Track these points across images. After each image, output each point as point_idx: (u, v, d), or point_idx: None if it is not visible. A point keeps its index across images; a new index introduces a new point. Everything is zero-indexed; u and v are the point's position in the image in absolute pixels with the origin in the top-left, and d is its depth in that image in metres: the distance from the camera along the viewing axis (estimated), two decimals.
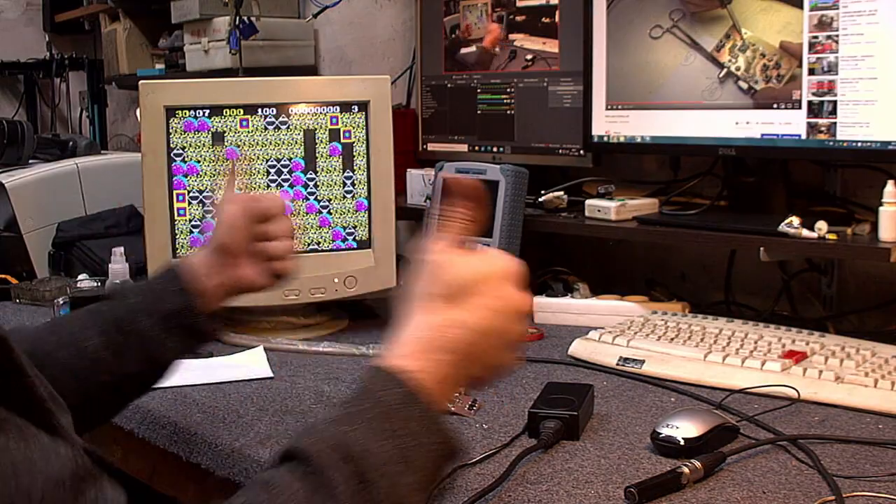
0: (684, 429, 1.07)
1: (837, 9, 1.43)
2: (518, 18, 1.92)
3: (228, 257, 1.10)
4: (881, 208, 1.42)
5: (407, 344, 0.77)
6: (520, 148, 1.93)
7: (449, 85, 2.05)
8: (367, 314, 1.75)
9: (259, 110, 1.62)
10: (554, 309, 1.69)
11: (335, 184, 1.64)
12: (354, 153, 1.64)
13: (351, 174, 1.65)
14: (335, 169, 1.64)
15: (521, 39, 1.92)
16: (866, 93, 1.42)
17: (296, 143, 1.63)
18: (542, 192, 1.80)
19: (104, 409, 1.08)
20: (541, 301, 1.71)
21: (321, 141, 1.63)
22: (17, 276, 2.01)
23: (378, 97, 1.66)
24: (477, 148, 2.01)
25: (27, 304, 1.90)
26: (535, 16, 1.89)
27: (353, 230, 1.66)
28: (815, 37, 1.46)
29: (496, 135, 1.97)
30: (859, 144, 1.43)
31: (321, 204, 1.64)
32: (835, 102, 1.45)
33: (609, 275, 1.90)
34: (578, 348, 1.47)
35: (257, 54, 2.47)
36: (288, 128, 1.63)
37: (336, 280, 1.64)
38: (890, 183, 1.42)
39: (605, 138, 1.74)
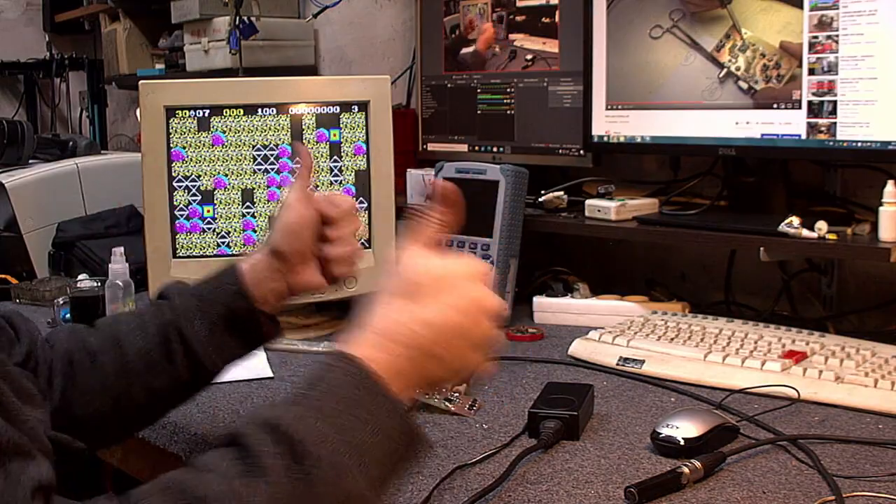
0: (684, 429, 1.07)
1: (837, 9, 1.43)
2: (518, 18, 1.92)
3: (287, 262, 1.05)
4: (881, 208, 1.42)
5: (364, 335, 0.77)
6: (520, 148, 1.93)
7: (449, 85, 2.05)
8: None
9: (259, 110, 1.62)
10: (554, 309, 1.69)
11: (322, 170, 1.64)
12: (342, 140, 1.64)
13: (338, 161, 1.64)
14: (322, 156, 1.64)
15: (521, 39, 1.92)
16: (866, 93, 1.42)
17: (282, 129, 1.63)
18: (542, 192, 1.80)
19: (149, 411, 1.07)
20: (541, 301, 1.71)
21: (308, 127, 1.63)
22: (17, 276, 2.01)
23: (378, 97, 1.66)
24: (477, 148, 2.01)
25: (27, 304, 1.90)
26: (535, 16, 1.89)
27: None
28: (815, 37, 1.46)
29: (496, 135, 1.97)
30: (859, 144, 1.43)
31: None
32: (835, 102, 1.45)
33: (609, 275, 1.90)
34: (578, 348, 1.47)
35: (257, 54, 2.47)
36: (271, 115, 1.62)
37: None
38: (890, 183, 1.42)
39: (605, 138, 1.74)
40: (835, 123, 1.45)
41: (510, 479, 1.02)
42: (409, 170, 1.99)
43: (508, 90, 1.94)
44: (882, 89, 1.40)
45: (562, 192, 1.81)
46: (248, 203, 1.62)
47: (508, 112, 1.95)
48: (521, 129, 1.93)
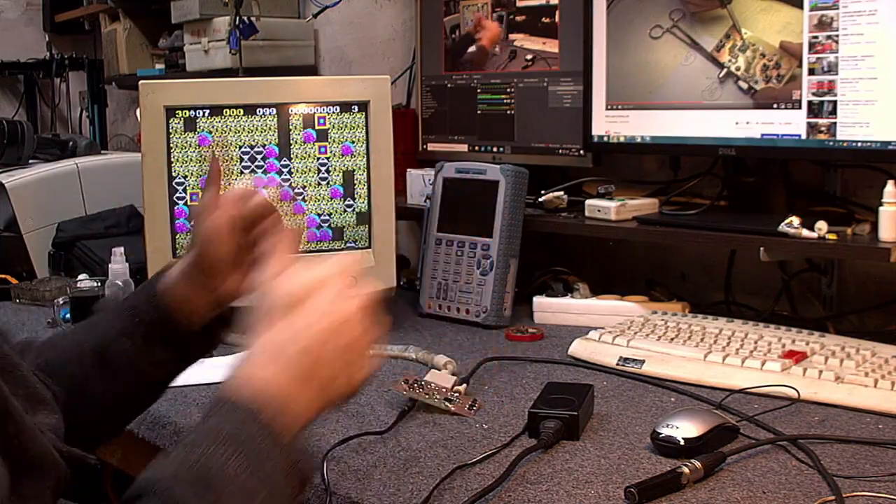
0: (684, 429, 1.07)
1: (837, 9, 1.43)
2: (518, 18, 1.92)
3: (210, 271, 0.98)
4: (881, 208, 1.42)
5: (247, 361, 0.76)
6: (520, 148, 1.93)
7: (449, 85, 2.05)
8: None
9: (259, 110, 1.62)
10: (554, 309, 1.69)
11: (310, 170, 1.64)
12: (329, 140, 1.63)
13: (326, 161, 1.64)
14: (310, 155, 1.64)
15: (521, 39, 1.92)
16: (866, 93, 1.42)
17: (270, 129, 1.62)
18: (542, 192, 1.80)
19: (110, 424, 1.05)
20: (541, 301, 1.71)
21: (295, 127, 1.63)
22: (17, 276, 2.01)
23: (378, 97, 1.66)
24: (477, 148, 2.01)
25: (27, 304, 1.90)
26: (535, 16, 1.89)
27: (328, 218, 1.65)
28: (815, 37, 1.46)
29: (496, 135, 1.97)
30: (859, 144, 1.43)
31: (295, 191, 1.64)
32: (835, 102, 1.45)
33: (609, 275, 1.90)
34: (578, 348, 1.48)
35: (257, 54, 2.47)
36: (262, 115, 1.62)
37: None
38: (890, 183, 1.42)
39: (605, 138, 1.74)
40: (835, 123, 1.45)
41: (510, 479, 1.02)
42: (409, 170, 1.99)
43: (508, 90, 1.94)
44: (882, 89, 1.40)
45: (562, 192, 1.81)
46: None
47: (508, 112, 1.95)
48: (521, 129, 1.93)
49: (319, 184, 1.64)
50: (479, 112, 2.00)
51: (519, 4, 1.91)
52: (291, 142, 1.62)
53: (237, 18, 2.34)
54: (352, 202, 1.65)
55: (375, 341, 0.81)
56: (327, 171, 1.64)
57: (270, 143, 1.62)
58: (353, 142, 1.64)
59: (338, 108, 1.64)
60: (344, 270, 0.81)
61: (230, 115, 1.61)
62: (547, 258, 1.89)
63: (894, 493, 0.96)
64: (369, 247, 1.66)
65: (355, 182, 1.65)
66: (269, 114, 1.62)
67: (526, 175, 1.72)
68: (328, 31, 2.61)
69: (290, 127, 1.62)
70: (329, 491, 1.02)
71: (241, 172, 1.61)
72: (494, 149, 1.98)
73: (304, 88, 1.70)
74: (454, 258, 1.73)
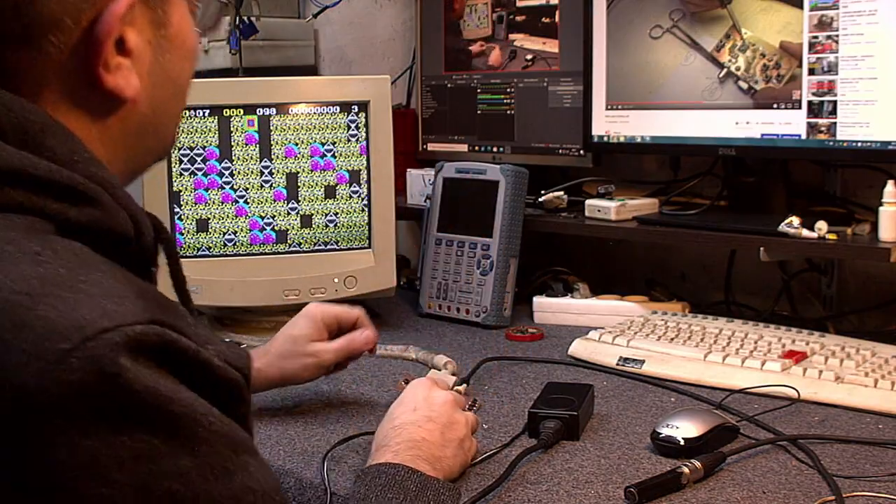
0: (684, 429, 1.07)
1: (837, 9, 1.43)
2: (518, 18, 1.92)
3: (288, 352, 1.23)
4: (881, 208, 1.42)
5: (386, 449, 0.97)
6: (520, 148, 1.93)
7: (449, 85, 2.05)
8: (366, 314, 1.75)
9: (259, 110, 1.62)
10: (554, 309, 1.69)
11: (251, 173, 1.63)
12: (272, 143, 1.62)
13: (268, 163, 1.63)
14: (252, 157, 1.63)
15: (521, 39, 1.92)
16: (866, 93, 1.42)
17: (210, 130, 1.62)
18: (542, 192, 1.80)
19: None
20: (541, 301, 1.71)
21: (236, 129, 1.62)
22: None
23: (378, 97, 1.66)
24: (477, 148, 2.01)
25: None
26: (535, 16, 1.89)
27: (271, 220, 1.64)
28: (815, 37, 1.46)
29: (496, 135, 1.97)
30: (859, 144, 1.43)
31: (237, 193, 1.63)
32: (835, 102, 1.45)
33: (609, 275, 1.90)
34: (578, 348, 1.47)
35: (257, 54, 2.47)
36: (203, 116, 1.61)
37: (336, 280, 1.64)
38: (890, 183, 1.42)
39: (605, 138, 1.74)
40: (835, 123, 1.45)
41: (510, 479, 1.02)
42: (409, 170, 1.99)
43: (508, 90, 1.94)
44: (882, 89, 1.40)
45: (562, 192, 1.81)
46: (175, 205, 1.61)
47: (508, 112, 1.95)
48: (521, 129, 1.93)
49: (262, 186, 1.63)
50: (479, 112, 2.00)
51: (519, 4, 1.91)
52: (233, 144, 1.62)
53: (237, 18, 2.34)
54: (295, 205, 1.64)
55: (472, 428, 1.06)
56: (270, 173, 1.63)
57: (210, 144, 1.61)
58: (283, 144, 1.63)
59: (338, 108, 1.64)
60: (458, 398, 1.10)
61: (230, 116, 1.61)
62: (547, 258, 1.89)
63: (894, 493, 0.96)
64: (369, 247, 1.66)
65: (360, 181, 1.65)
66: (208, 115, 1.61)
67: (526, 175, 1.72)
68: (328, 31, 2.61)
69: (232, 129, 1.62)
70: (329, 491, 1.02)
71: (181, 174, 1.60)
72: (494, 149, 1.98)
73: (304, 88, 1.70)
74: (454, 258, 1.73)
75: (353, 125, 1.65)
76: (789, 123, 1.51)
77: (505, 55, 1.94)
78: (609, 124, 1.73)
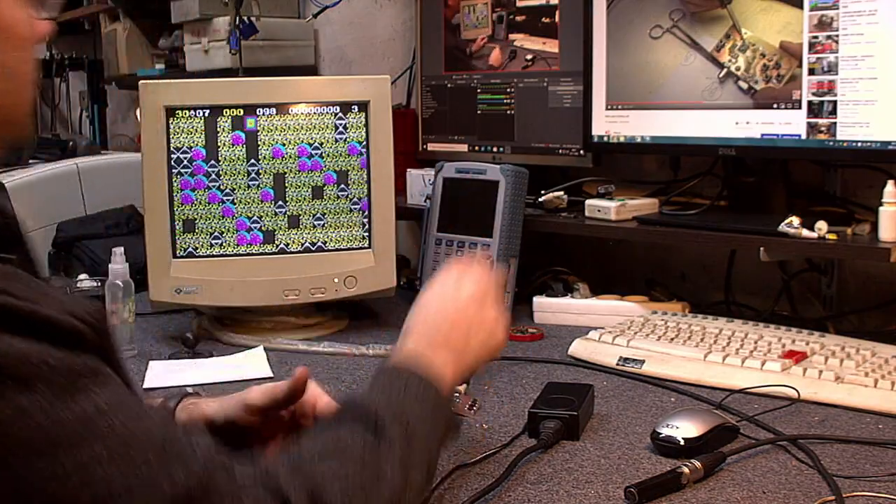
0: (684, 429, 1.07)
1: (837, 9, 1.43)
2: (518, 18, 1.92)
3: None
4: (881, 208, 1.42)
5: (410, 336, 0.92)
6: (520, 148, 1.93)
7: (449, 85, 2.05)
8: (367, 314, 1.76)
9: (259, 110, 1.62)
10: (554, 309, 1.69)
11: (238, 173, 1.63)
12: (259, 143, 1.62)
13: (255, 164, 1.63)
14: (238, 158, 1.62)
15: (521, 39, 1.92)
16: (866, 93, 1.42)
17: (196, 131, 1.61)
18: (542, 192, 1.80)
19: None
20: (541, 301, 1.71)
21: (223, 129, 1.62)
22: None
23: (378, 97, 1.66)
24: (477, 148, 2.01)
25: None
26: (535, 16, 1.89)
27: (258, 220, 1.64)
28: (815, 37, 1.46)
29: (496, 135, 1.97)
30: (859, 144, 1.43)
31: (224, 193, 1.63)
32: (835, 102, 1.45)
33: (609, 275, 1.90)
34: (578, 348, 1.47)
35: (257, 54, 2.47)
36: (189, 117, 1.61)
37: (336, 280, 1.64)
38: (890, 183, 1.42)
39: (605, 138, 1.74)
40: (835, 123, 1.45)
41: (510, 479, 1.02)
42: (409, 170, 1.99)
43: (508, 90, 1.94)
44: (882, 89, 1.40)
45: (562, 192, 1.81)
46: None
47: (508, 112, 1.95)
48: (521, 129, 1.93)
49: (249, 187, 1.63)
50: (479, 112, 2.00)
51: (519, 4, 1.91)
52: (219, 144, 1.61)
53: (237, 18, 2.34)
54: (283, 205, 1.64)
55: (504, 317, 0.98)
56: (257, 173, 1.63)
57: (197, 145, 1.61)
58: (270, 145, 1.63)
59: (338, 108, 1.64)
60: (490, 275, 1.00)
61: (230, 116, 1.61)
62: (547, 258, 1.89)
63: (894, 493, 0.96)
64: (369, 247, 1.66)
65: (350, 181, 1.65)
66: (197, 115, 1.60)
67: (526, 175, 1.72)
68: (328, 31, 2.61)
69: (218, 129, 1.61)
70: None
71: (169, 174, 1.60)
72: (494, 149, 1.98)
73: (304, 88, 1.70)
74: (454, 258, 1.72)
75: (340, 126, 1.64)
76: (789, 123, 1.51)
77: (505, 55, 1.94)
78: (609, 124, 1.73)
